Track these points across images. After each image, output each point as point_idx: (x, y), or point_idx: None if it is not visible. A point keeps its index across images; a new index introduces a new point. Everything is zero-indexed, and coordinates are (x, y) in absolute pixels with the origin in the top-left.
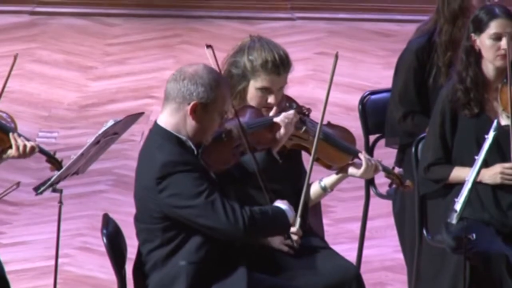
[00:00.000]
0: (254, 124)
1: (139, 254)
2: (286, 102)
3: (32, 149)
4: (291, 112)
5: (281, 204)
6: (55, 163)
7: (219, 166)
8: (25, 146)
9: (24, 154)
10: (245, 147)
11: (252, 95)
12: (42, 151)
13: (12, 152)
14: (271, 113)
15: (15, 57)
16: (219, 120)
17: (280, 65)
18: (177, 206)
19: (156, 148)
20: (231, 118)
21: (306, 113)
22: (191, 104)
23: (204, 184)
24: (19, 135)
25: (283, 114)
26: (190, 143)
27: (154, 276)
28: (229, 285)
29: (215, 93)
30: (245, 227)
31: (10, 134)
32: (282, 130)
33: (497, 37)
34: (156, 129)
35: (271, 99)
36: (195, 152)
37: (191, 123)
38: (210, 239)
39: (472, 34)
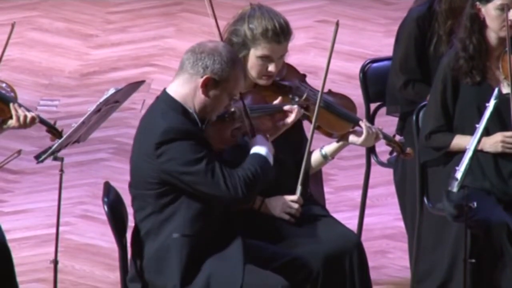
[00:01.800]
0: (258, 110)
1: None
2: (285, 70)
3: (33, 119)
4: (295, 107)
5: (259, 148)
6: (55, 133)
7: (217, 144)
8: (25, 116)
9: (25, 124)
10: (246, 129)
11: (252, 64)
12: (42, 121)
13: (12, 122)
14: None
15: (13, 26)
16: (227, 101)
17: (280, 33)
18: (176, 171)
19: (160, 115)
20: (236, 100)
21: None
22: (204, 77)
23: (204, 151)
24: (20, 106)
25: (288, 106)
26: (195, 116)
27: (150, 246)
28: (225, 258)
29: (229, 72)
30: (243, 193)
31: (11, 105)
32: (282, 122)
33: (504, 8)
34: (164, 96)
35: (271, 68)
36: (199, 125)
37: (200, 96)
38: (206, 212)
39: (477, 3)
